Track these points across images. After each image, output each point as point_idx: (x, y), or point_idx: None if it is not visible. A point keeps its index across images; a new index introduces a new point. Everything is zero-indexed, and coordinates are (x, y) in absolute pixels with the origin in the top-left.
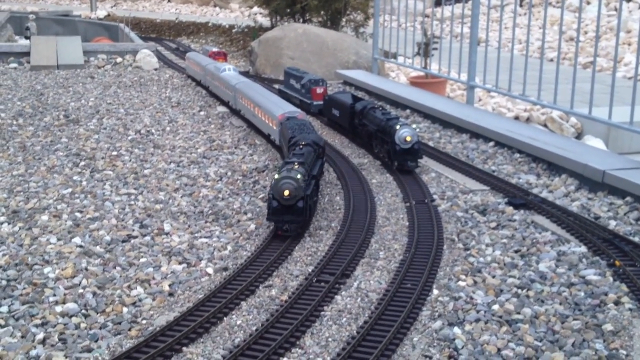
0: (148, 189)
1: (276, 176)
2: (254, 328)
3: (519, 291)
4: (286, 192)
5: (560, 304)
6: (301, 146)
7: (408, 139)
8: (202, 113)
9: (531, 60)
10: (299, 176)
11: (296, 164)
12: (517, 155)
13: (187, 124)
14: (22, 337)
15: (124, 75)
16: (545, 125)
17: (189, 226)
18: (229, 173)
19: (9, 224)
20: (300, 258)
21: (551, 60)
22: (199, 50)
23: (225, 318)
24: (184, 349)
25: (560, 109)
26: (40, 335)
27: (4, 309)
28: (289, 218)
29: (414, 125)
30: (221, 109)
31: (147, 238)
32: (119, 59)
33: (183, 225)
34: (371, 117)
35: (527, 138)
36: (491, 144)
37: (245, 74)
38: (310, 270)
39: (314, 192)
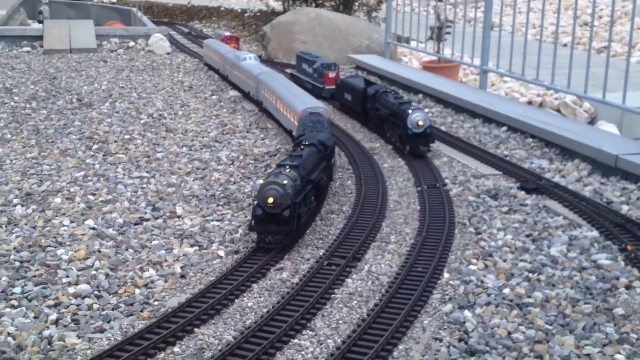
0: (160, 173)
1: (261, 181)
2: (265, 310)
3: (530, 275)
4: (270, 200)
5: (572, 288)
6: (303, 147)
7: (420, 123)
8: (214, 97)
9: (545, 45)
10: (286, 182)
11: (288, 167)
12: (530, 140)
13: (200, 108)
14: (36, 317)
15: (137, 59)
16: (558, 111)
17: (201, 209)
18: (241, 157)
19: (22, 206)
20: (311, 242)
21: (565, 45)
22: (212, 35)
23: (236, 300)
24: (196, 330)
25: (574, 94)
26: (54, 316)
27: (18, 290)
28: (273, 228)
29: (426, 110)
30: (233, 93)
31: (160, 221)
32: (131, 43)
33: (195, 208)
34: (384, 102)
35: (540, 123)
36: (504, 128)
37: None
38: (321, 253)
39: (309, 200)
